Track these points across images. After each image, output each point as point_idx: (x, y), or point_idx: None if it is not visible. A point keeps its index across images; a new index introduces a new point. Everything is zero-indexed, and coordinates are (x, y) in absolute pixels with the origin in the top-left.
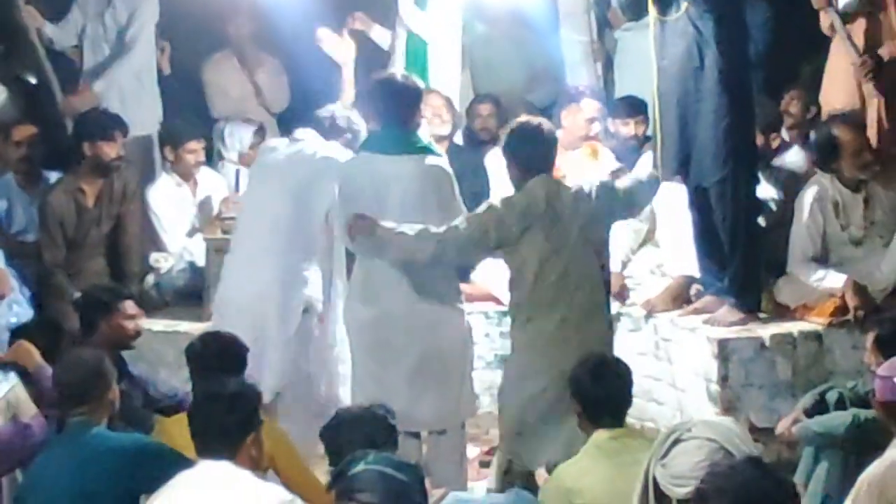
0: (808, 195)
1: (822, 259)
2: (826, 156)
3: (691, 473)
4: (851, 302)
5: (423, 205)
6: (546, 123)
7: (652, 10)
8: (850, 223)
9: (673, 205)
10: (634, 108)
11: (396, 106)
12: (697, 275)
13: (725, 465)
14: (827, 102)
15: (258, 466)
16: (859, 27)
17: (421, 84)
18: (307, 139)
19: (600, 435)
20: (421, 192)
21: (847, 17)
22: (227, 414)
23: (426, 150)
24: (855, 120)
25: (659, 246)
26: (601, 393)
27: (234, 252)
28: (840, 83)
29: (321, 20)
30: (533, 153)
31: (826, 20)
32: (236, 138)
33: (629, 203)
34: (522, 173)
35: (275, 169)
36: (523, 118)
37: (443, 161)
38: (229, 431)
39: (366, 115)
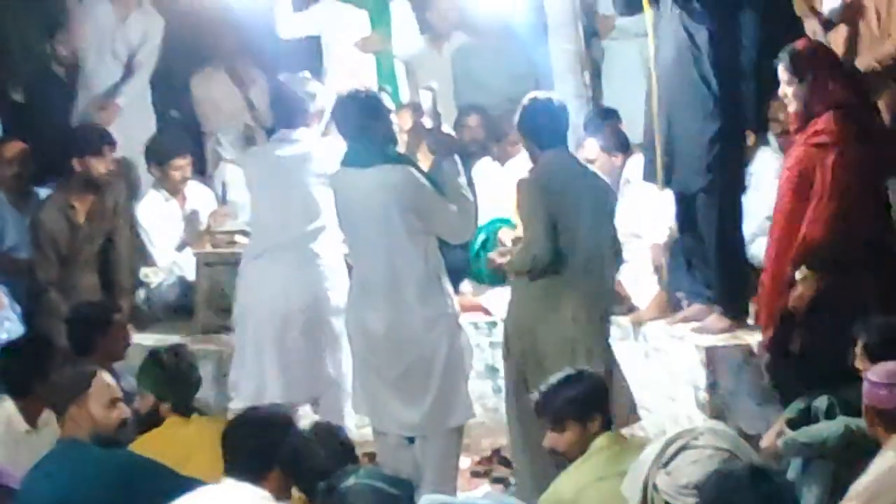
0: (754, 166)
1: None
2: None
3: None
4: None
5: (386, 217)
6: (556, 97)
7: (648, 12)
8: None
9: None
10: (624, 144)
11: (357, 119)
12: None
13: (725, 476)
14: None
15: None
16: (840, 35)
17: (381, 95)
18: (303, 139)
19: (600, 442)
20: (382, 204)
21: (830, 24)
22: (255, 438)
23: (392, 161)
24: None
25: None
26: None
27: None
28: None
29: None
30: (544, 127)
31: (809, 27)
32: (232, 139)
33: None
34: (535, 148)
35: (284, 170)
36: (533, 94)
37: (404, 169)
38: (257, 455)
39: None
